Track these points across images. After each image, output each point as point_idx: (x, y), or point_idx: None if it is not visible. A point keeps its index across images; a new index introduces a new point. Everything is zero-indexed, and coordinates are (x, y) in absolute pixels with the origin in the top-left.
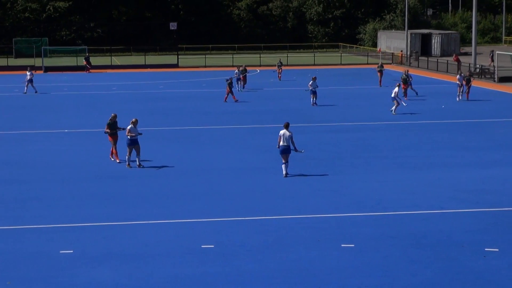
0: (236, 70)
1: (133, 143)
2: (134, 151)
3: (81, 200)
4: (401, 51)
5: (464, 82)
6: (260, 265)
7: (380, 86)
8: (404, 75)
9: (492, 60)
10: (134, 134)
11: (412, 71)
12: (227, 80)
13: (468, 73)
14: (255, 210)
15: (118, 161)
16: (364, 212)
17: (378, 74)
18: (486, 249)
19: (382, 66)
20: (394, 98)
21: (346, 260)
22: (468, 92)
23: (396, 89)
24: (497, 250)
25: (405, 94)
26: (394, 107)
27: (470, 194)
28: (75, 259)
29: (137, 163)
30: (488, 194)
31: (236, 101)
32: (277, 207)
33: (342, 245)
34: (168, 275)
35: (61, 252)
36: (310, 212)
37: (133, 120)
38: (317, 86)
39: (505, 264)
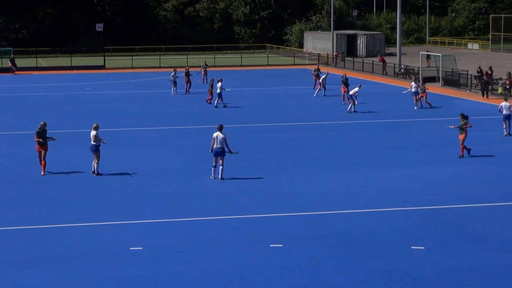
0: (173, 72)
1: (97, 150)
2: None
3: (5, 204)
4: (337, 51)
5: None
6: (189, 267)
7: (314, 88)
8: (344, 78)
9: (430, 61)
10: (101, 139)
11: (339, 72)
12: (211, 80)
13: (420, 82)
14: (183, 212)
15: (43, 173)
16: (292, 212)
17: (314, 77)
18: (412, 247)
19: (318, 69)
20: (350, 97)
21: (274, 260)
22: (426, 99)
23: (357, 89)
24: (423, 248)
25: (344, 98)
26: (350, 106)
27: (395, 193)
28: (2, 263)
29: (95, 171)
30: (413, 193)
31: (209, 102)
32: (205, 208)
33: (270, 245)
34: (96, 277)
35: None
36: (238, 213)
37: (95, 125)
38: (223, 88)
39: (431, 262)
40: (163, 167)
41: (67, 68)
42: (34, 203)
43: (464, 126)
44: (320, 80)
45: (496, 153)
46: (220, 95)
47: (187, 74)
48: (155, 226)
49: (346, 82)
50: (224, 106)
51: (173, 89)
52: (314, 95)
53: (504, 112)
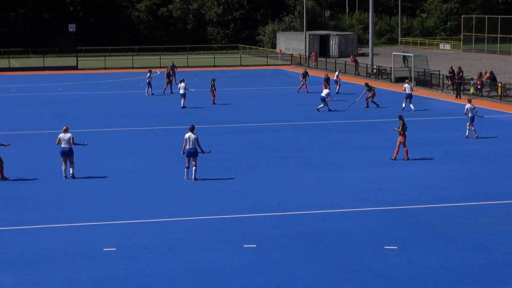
0: (148, 73)
1: (64, 154)
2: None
3: None
4: (314, 52)
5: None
6: (163, 268)
7: (298, 91)
8: (326, 76)
9: (406, 62)
10: (63, 144)
11: (311, 72)
12: (212, 80)
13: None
14: (157, 212)
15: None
16: (265, 212)
17: (303, 80)
18: (385, 247)
19: (306, 73)
20: (323, 98)
21: (248, 260)
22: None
23: (327, 91)
24: (396, 248)
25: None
26: (320, 106)
27: (369, 193)
28: None
29: (71, 174)
30: (386, 193)
31: (214, 103)
32: (178, 209)
33: (244, 246)
34: (69, 279)
35: None
36: (212, 213)
37: (66, 127)
38: (187, 89)
39: (404, 261)
40: (136, 168)
41: (39, 69)
42: (7, 204)
43: (395, 128)
44: (335, 78)
45: (468, 153)
46: (183, 95)
47: (168, 75)
48: (129, 227)
49: (327, 81)
50: (183, 107)
51: (147, 89)
52: (336, 92)
53: (469, 115)
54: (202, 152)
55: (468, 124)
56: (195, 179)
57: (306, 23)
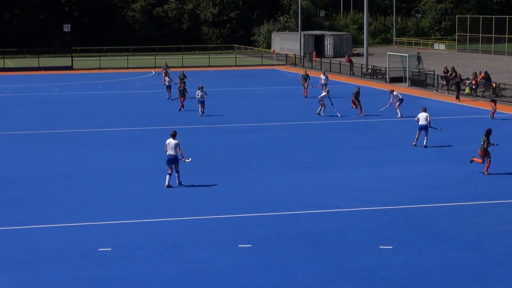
0: (167, 78)
1: None
2: None
3: None
4: (314, 52)
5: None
6: (158, 267)
7: (306, 96)
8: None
9: (417, 64)
10: None
11: (308, 72)
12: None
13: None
14: (152, 212)
15: None
16: (260, 212)
17: (303, 83)
18: (380, 247)
19: (307, 75)
20: (322, 99)
21: (243, 260)
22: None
23: (324, 93)
24: (391, 247)
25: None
26: (322, 109)
27: (364, 193)
28: None
29: None
30: (381, 193)
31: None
32: (173, 209)
33: (239, 246)
34: (64, 279)
35: None
36: (207, 213)
37: None
38: (206, 95)
39: (399, 261)
40: (131, 168)
41: (34, 69)
42: (1, 204)
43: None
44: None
45: (463, 153)
46: (202, 102)
47: (183, 78)
48: (124, 227)
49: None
50: (203, 114)
51: (170, 94)
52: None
53: (420, 123)
54: (183, 159)
55: (418, 131)
56: (180, 183)
57: (301, 23)
